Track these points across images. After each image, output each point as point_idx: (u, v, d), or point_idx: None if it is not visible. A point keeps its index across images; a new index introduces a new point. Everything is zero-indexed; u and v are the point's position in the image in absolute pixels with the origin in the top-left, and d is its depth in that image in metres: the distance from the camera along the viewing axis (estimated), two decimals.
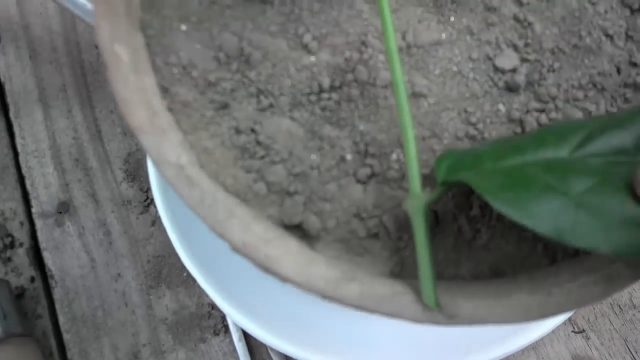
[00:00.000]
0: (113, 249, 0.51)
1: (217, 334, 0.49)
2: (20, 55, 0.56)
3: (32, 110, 0.54)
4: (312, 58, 0.29)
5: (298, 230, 0.27)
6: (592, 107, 0.29)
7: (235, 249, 0.25)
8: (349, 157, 0.28)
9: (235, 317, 0.44)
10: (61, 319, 0.50)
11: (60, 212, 0.52)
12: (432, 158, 0.28)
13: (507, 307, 0.25)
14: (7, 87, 0.56)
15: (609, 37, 0.30)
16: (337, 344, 0.45)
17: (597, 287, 0.24)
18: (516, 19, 0.30)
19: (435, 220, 0.28)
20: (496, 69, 0.29)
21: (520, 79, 0.29)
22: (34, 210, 0.53)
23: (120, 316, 0.50)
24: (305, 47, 0.29)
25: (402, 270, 0.27)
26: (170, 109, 0.28)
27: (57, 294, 0.51)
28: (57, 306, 0.50)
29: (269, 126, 0.28)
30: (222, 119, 0.28)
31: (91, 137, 0.54)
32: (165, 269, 0.50)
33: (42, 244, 0.52)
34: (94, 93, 0.55)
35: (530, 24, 0.30)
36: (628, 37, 0.30)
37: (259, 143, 0.28)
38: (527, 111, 0.29)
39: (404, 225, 0.27)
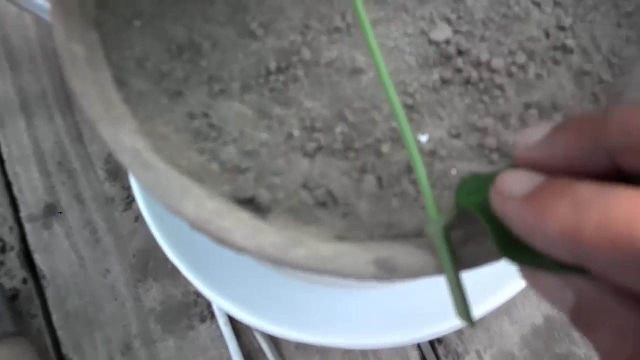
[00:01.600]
0: (100, 246, 0.54)
1: (204, 321, 0.51)
2: (0, 66, 0.58)
3: (15, 119, 0.57)
4: (259, 44, 0.31)
5: (251, 203, 0.29)
6: (519, 72, 0.31)
7: (191, 224, 0.27)
8: (296, 133, 0.30)
9: (219, 302, 0.46)
10: (54, 317, 0.52)
11: (48, 215, 0.54)
12: (374, 129, 0.30)
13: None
14: None
15: (537, 4, 0.32)
16: (316, 321, 0.47)
17: None
18: None
19: (380, 184, 0.30)
20: (430, 42, 0.31)
21: (453, 49, 0.31)
22: (22, 214, 0.55)
23: (111, 310, 0.52)
24: (253, 34, 0.31)
25: (348, 233, 0.29)
26: (126, 100, 0.30)
27: (49, 293, 0.53)
28: (50, 304, 0.53)
29: (220, 110, 0.30)
30: (176, 106, 0.31)
31: (72, 141, 0.56)
32: (151, 262, 0.53)
33: (32, 246, 0.54)
34: (72, 98, 0.57)
35: None
36: (556, 3, 0.32)
37: (211, 126, 0.30)
38: (460, 77, 0.31)
39: (349, 193, 0.29)
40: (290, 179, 0.29)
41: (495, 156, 0.30)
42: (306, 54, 0.31)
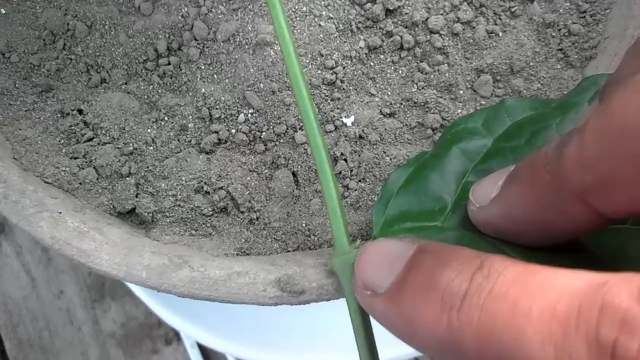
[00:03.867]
0: (52, 265, 0.49)
1: (170, 343, 0.47)
2: None
3: None
4: (146, 21, 0.26)
5: (135, 216, 0.24)
6: (466, 30, 0.25)
7: (48, 246, 0.22)
8: (191, 125, 0.25)
9: (182, 326, 0.42)
10: (7, 345, 0.48)
11: None
12: (286, 113, 0.25)
13: None
14: None
15: None
16: (289, 340, 0.42)
17: None
18: None
19: (296, 181, 0.25)
20: (353, 2, 0.26)
21: (380, 8, 0.25)
22: None
23: (67, 335, 0.48)
24: (138, 10, 0.26)
25: (253, 246, 0.24)
26: None
27: (0, 320, 0.49)
28: (2, 332, 0.49)
29: (98, 104, 0.25)
30: (46, 103, 0.26)
31: None
32: (109, 280, 0.48)
33: None
34: None
35: None
36: None
37: (86, 124, 0.25)
38: (392, 42, 0.25)
39: (257, 194, 0.24)
40: (181, 183, 0.24)
41: (439, 136, 0.25)
42: (201, 29, 0.25)
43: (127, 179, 0.24)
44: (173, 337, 0.47)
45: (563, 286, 0.12)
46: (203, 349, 0.46)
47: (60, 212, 0.23)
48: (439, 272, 0.15)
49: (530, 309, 0.12)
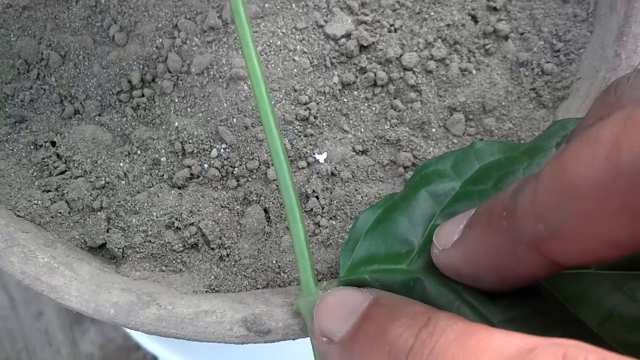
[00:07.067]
0: None
1: None
2: None
3: None
4: (120, 51, 0.27)
5: (106, 251, 0.26)
6: (440, 68, 0.26)
7: (20, 281, 0.23)
8: (163, 159, 0.26)
9: (164, 355, 0.43)
10: None
11: None
12: (259, 149, 0.26)
13: None
14: None
15: None
16: None
17: None
18: None
19: (267, 217, 0.26)
20: (327, 37, 0.27)
21: (354, 44, 0.26)
22: None
23: (45, 356, 0.49)
24: (113, 40, 0.28)
25: (222, 283, 0.25)
26: None
27: None
28: None
29: (71, 136, 0.27)
30: (19, 134, 0.27)
31: None
32: None
33: None
34: None
35: None
36: None
37: (59, 157, 0.27)
38: (365, 78, 0.26)
39: (227, 230, 0.25)
40: (152, 218, 0.25)
41: (411, 175, 0.26)
42: (175, 61, 0.27)
43: (99, 213, 0.25)
44: None
45: (495, 350, 0.13)
46: None
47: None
48: (389, 325, 0.16)
49: None
